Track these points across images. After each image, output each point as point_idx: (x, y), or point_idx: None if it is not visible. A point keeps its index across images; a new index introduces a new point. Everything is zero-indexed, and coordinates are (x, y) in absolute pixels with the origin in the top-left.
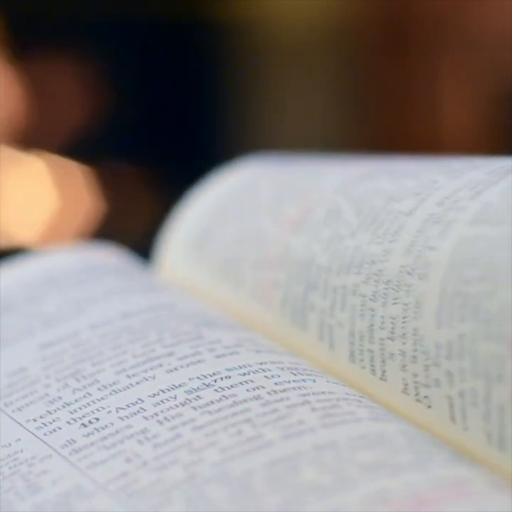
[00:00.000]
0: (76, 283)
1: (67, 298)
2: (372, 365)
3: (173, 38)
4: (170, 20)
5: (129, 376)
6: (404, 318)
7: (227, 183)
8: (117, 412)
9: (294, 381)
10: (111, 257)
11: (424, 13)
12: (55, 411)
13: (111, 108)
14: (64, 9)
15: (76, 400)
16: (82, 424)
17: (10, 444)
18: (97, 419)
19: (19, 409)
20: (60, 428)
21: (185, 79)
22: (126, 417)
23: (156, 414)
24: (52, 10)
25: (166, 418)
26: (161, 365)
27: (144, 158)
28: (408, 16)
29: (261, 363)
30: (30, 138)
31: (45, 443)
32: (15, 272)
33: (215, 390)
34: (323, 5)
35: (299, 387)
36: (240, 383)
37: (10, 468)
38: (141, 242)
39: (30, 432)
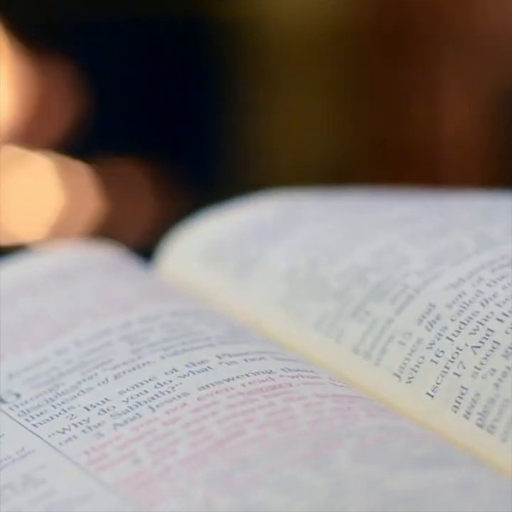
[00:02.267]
0: (75, 282)
1: (71, 298)
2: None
3: (173, 37)
4: (170, 19)
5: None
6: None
7: (266, 206)
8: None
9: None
10: (111, 256)
11: (425, 13)
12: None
13: (112, 106)
14: (64, 7)
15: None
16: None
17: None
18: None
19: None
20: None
21: (186, 78)
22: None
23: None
24: (50, 8)
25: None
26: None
27: (145, 157)
28: (408, 16)
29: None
30: (32, 136)
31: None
32: (16, 269)
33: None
34: (323, 5)
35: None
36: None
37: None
38: (143, 242)
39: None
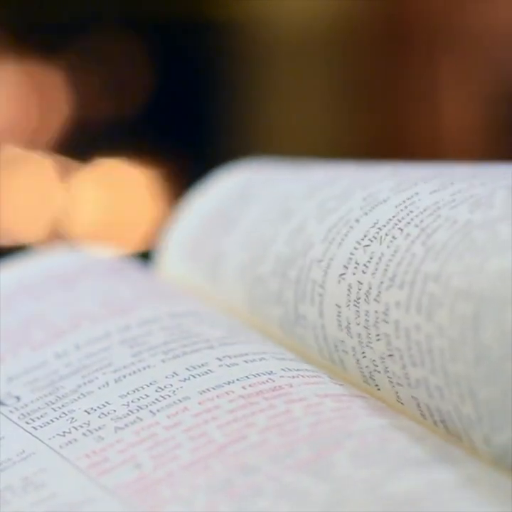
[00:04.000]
0: (75, 283)
1: (69, 300)
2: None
3: (173, 37)
4: (170, 20)
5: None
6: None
7: (224, 187)
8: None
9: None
10: (110, 258)
11: (425, 13)
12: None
13: (111, 107)
14: (65, 7)
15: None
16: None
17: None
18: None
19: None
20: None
21: (186, 78)
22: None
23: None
24: (52, 8)
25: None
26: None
27: (145, 157)
28: (408, 16)
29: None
30: (32, 137)
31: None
32: (15, 271)
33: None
34: (323, 5)
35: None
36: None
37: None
38: (143, 243)
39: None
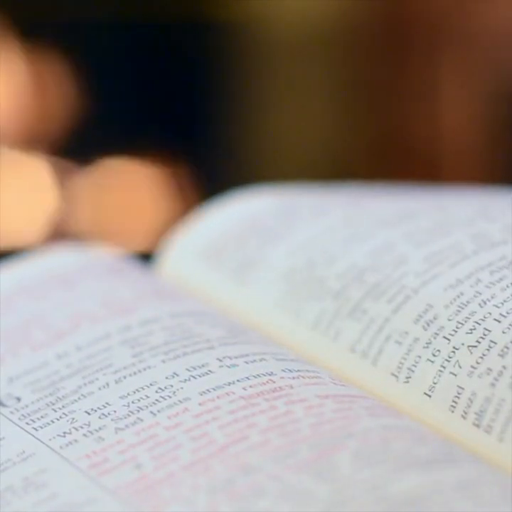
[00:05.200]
0: (74, 284)
1: (68, 300)
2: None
3: (173, 37)
4: (169, 20)
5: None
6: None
7: (257, 205)
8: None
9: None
10: (110, 258)
11: (425, 12)
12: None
13: (111, 108)
14: (61, 8)
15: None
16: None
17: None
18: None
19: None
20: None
21: (185, 78)
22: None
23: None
24: (49, 8)
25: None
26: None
27: (145, 157)
28: (408, 16)
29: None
30: (30, 138)
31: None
32: (15, 272)
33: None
34: (323, 5)
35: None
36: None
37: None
38: (143, 243)
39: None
